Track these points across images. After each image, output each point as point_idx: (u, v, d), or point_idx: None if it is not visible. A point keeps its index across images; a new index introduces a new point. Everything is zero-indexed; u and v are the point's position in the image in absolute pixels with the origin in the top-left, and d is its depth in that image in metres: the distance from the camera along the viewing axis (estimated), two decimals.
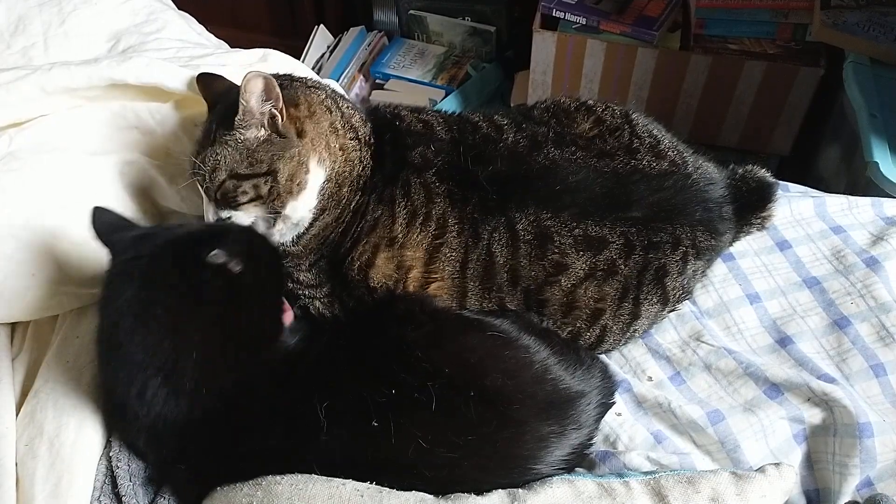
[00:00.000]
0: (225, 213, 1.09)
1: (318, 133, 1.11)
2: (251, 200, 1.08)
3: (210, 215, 1.11)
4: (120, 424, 1.02)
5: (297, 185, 1.08)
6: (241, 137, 1.06)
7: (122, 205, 1.23)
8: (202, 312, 0.94)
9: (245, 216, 1.09)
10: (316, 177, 1.10)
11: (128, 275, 0.94)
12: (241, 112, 1.05)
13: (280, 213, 1.09)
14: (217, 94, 1.18)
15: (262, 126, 1.07)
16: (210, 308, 0.94)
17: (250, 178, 1.07)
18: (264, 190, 1.07)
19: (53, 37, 1.43)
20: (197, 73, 1.24)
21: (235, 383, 0.94)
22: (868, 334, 1.15)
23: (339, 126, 1.13)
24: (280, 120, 1.07)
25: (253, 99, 1.05)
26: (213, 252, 0.90)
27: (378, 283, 1.11)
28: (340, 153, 1.12)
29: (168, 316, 0.92)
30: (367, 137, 1.16)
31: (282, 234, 1.12)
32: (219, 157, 1.07)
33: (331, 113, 1.13)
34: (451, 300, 1.11)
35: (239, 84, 1.04)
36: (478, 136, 1.17)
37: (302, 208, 1.10)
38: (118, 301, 0.93)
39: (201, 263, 0.91)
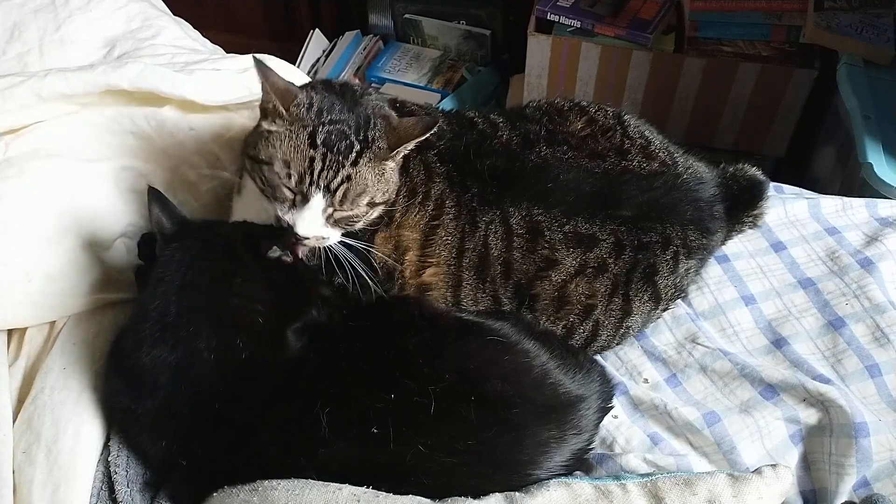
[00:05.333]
0: (326, 232, 1.03)
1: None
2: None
3: (310, 229, 1.01)
4: (130, 396, 0.99)
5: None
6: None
7: (118, 210, 1.23)
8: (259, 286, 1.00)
9: (338, 234, 1.05)
10: None
11: (189, 260, 0.99)
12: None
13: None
14: (283, 90, 1.03)
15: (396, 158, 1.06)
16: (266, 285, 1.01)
17: (378, 206, 1.05)
18: (373, 215, 1.06)
19: (49, 43, 1.42)
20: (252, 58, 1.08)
21: (243, 381, 0.95)
22: (863, 335, 1.16)
23: None
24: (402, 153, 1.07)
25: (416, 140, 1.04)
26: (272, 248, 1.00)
27: (379, 263, 1.11)
28: None
29: (224, 286, 0.99)
30: None
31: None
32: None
33: None
34: (446, 290, 1.12)
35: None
36: (474, 131, 1.18)
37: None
38: (178, 278, 0.98)
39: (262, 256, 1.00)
